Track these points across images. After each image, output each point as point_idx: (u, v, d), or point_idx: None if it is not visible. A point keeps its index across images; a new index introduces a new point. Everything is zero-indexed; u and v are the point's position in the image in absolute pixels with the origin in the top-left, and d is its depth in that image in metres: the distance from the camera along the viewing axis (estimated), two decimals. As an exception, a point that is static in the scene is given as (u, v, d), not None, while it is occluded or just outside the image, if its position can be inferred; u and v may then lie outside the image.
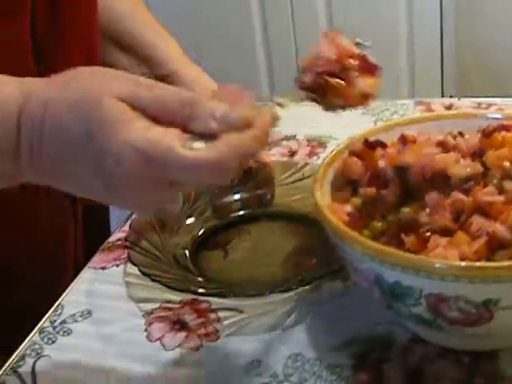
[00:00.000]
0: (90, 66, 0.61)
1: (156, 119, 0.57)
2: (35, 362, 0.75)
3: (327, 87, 0.70)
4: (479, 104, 1.14)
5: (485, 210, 0.63)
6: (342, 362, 0.69)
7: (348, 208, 0.69)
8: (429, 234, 0.63)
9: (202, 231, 0.92)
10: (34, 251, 0.93)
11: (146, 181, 0.57)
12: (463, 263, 0.58)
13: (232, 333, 0.75)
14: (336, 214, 0.66)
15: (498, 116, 0.77)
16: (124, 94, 0.57)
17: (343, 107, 0.72)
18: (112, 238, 0.94)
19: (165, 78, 0.98)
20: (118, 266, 0.88)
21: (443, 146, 0.72)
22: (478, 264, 0.58)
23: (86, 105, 0.57)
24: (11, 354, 0.76)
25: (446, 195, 0.65)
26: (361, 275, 0.65)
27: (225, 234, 0.92)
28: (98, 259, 0.90)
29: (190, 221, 0.93)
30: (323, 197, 0.70)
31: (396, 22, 2.23)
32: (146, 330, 0.77)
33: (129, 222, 0.90)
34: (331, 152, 0.76)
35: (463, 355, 0.68)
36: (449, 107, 1.16)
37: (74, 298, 0.84)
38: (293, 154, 1.09)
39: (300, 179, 0.95)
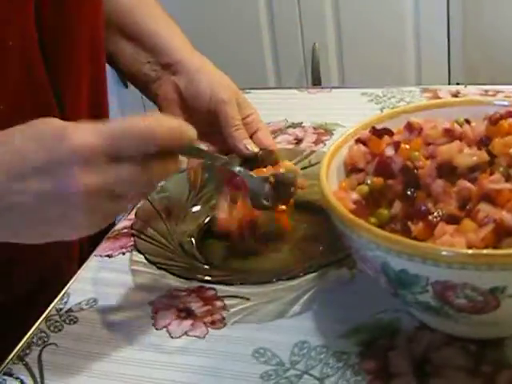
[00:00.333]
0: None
1: None
2: (41, 350, 0.75)
3: None
4: (486, 91, 1.14)
5: (491, 198, 0.62)
6: (349, 350, 0.69)
7: (354, 196, 0.68)
8: (436, 220, 0.62)
9: (208, 219, 0.92)
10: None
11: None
12: (470, 251, 0.58)
13: (238, 320, 0.75)
14: (342, 201, 0.66)
15: (505, 103, 0.76)
16: None
17: None
18: (118, 226, 0.94)
19: (169, 66, 0.97)
20: (124, 254, 0.88)
21: (450, 134, 0.71)
22: (484, 251, 0.58)
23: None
24: (17, 344, 0.76)
25: (452, 184, 0.65)
26: (367, 263, 0.65)
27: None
28: (104, 247, 0.90)
29: (196, 209, 0.93)
30: (329, 184, 0.69)
31: (402, 9, 2.22)
32: (152, 317, 0.77)
33: (134, 211, 0.90)
34: (337, 139, 0.76)
35: (469, 343, 0.68)
36: (455, 94, 1.15)
37: (80, 286, 0.84)
38: (299, 141, 1.09)
39: (306, 167, 0.94)
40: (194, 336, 0.74)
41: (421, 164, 0.68)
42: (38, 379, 0.71)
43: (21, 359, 0.74)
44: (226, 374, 0.69)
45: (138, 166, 0.66)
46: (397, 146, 0.71)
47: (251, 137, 0.90)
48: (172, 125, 0.68)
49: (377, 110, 1.13)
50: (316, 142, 1.08)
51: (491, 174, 0.65)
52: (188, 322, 0.76)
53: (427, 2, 2.19)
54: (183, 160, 0.79)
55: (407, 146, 0.71)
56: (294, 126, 1.14)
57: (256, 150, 0.88)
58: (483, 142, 0.70)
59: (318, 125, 1.13)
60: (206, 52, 1.00)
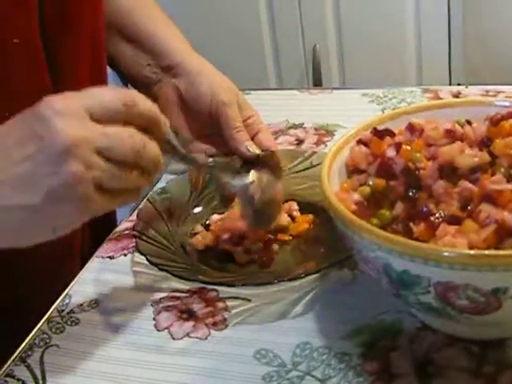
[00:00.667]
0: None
1: None
2: (43, 351, 0.75)
3: None
4: (487, 92, 1.14)
5: (493, 199, 0.62)
6: (351, 351, 0.69)
7: (356, 197, 0.68)
8: (438, 221, 0.62)
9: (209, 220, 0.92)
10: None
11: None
12: (472, 252, 0.58)
13: (240, 322, 0.75)
14: (344, 202, 0.66)
15: (506, 104, 0.76)
16: None
17: None
18: (120, 228, 0.94)
19: (170, 69, 0.98)
20: (125, 255, 0.88)
21: (451, 135, 0.71)
22: (486, 252, 0.58)
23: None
24: (18, 345, 0.76)
25: (453, 185, 0.65)
26: (369, 264, 0.65)
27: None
28: (105, 249, 0.90)
29: (197, 210, 0.93)
30: (331, 186, 0.69)
31: (403, 10, 2.22)
32: (153, 319, 0.77)
33: (136, 212, 0.90)
34: (339, 140, 0.76)
35: (471, 344, 0.67)
36: (456, 95, 1.15)
37: (81, 287, 0.84)
38: (300, 142, 1.09)
39: (308, 168, 0.94)
40: (196, 337, 0.74)
41: (422, 165, 0.69)
42: (40, 381, 0.71)
43: (23, 360, 0.74)
44: (228, 376, 0.69)
45: (125, 128, 0.64)
46: (398, 147, 0.71)
47: (252, 138, 0.90)
48: (153, 105, 0.67)
49: (378, 111, 1.13)
50: (317, 143, 1.08)
51: (492, 174, 0.65)
52: (190, 324, 0.76)
53: (428, 2, 2.20)
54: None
55: (408, 147, 0.71)
56: (295, 127, 1.14)
57: (257, 151, 0.88)
58: (484, 143, 0.70)
59: (319, 126, 1.13)
60: (206, 53, 1.00)
